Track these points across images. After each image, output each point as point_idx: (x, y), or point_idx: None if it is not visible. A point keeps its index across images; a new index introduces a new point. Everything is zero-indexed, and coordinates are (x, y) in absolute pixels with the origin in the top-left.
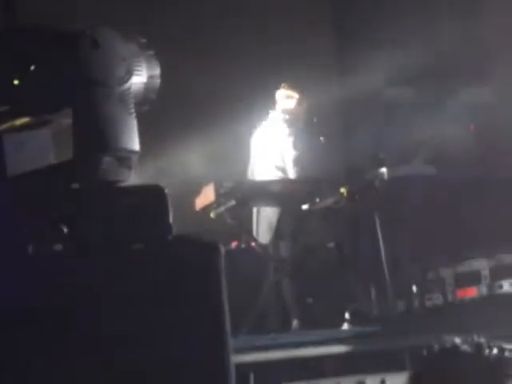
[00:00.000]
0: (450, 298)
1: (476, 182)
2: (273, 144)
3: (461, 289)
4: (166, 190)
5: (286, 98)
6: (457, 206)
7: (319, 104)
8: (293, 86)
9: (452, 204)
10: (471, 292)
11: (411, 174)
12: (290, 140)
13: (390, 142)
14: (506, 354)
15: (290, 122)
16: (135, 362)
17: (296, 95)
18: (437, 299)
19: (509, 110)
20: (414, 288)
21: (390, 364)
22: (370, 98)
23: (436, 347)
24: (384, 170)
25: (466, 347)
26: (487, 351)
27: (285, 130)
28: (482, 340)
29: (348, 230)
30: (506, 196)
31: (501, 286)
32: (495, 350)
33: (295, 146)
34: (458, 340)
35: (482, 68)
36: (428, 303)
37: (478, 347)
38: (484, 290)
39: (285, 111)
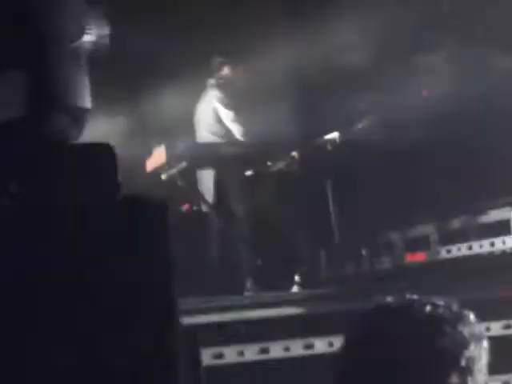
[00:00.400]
0: (398, 261)
1: (426, 148)
2: (213, 109)
3: (410, 253)
4: (114, 149)
5: (221, 65)
6: (406, 170)
7: (271, 70)
8: (227, 53)
9: (402, 169)
10: (420, 256)
11: (362, 138)
12: (229, 105)
13: (340, 106)
14: (440, 310)
15: (227, 88)
16: (85, 312)
17: (231, 62)
18: (386, 263)
19: (460, 76)
20: (364, 251)
21: (338, 326)
22: (321, 64)
23: (369, 307)
24: (336, 134)
25: (398, 305)
26: (420, 308)
27: (224, 95)
28: (415, 298)
29: (299, 193)
30: (455, 162)
31: (449, 251)
32: (428, 307)
33: (233, 109)
34: (390, 299)
35: (434, 34)
36: (377, 266)
37: (411, 305)
38: (432, 254)
39: (222, 78)
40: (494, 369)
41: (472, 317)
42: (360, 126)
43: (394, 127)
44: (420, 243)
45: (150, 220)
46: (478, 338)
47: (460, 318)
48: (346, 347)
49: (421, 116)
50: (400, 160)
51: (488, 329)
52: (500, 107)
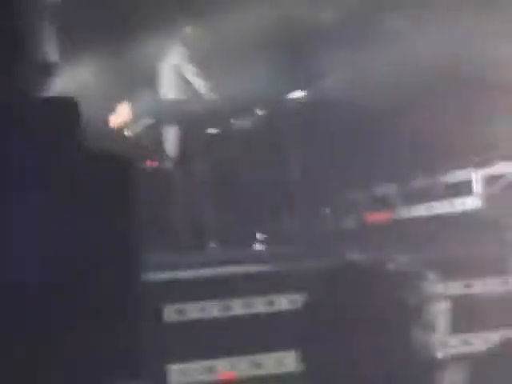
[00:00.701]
0: (361, 221)
1: (390, 108)
2: (177, 66)
3: (372, 212)
4: (78, 103)
5: (185, 24)
6: (371, 130)
7: (237, 29)
8: (191, 11)
9: (366, 128)
10: (384, 216)
11: (327, 98)
12: (193, 62)
13: (305, 65)
14: (402, 268)
15: (192, 46)
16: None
17: (195, 21)
18: (348, 222)
19: (429, 37)
20: (327, 210)
21: (300, 284)
22: (288, 23)
23: (335, 265)
24: (301, 93)
25: (363, 263)
26: (383, 266)
27: (189, 53)
28: (380, 255)
29: (263, 151)
30: (418, 123)
31: (411, 211)
32: (391, 265)
33: (197, 67)
34: (356, 256)
35: None
36: (341, 225)
37: (375, 263)
38: (396, 213)
39: (186, 36)
40: (455, 327)
41: (433, 275)
42: (325, 85)
43: (358, 88)
44: (383, 203)
45: (112, 176)
46: (438, 296)
47: (421, 276)
48: (311, 304)
49: (385, 77)
50: (364, 120)
51: (449, 288)
52: (463, 69)
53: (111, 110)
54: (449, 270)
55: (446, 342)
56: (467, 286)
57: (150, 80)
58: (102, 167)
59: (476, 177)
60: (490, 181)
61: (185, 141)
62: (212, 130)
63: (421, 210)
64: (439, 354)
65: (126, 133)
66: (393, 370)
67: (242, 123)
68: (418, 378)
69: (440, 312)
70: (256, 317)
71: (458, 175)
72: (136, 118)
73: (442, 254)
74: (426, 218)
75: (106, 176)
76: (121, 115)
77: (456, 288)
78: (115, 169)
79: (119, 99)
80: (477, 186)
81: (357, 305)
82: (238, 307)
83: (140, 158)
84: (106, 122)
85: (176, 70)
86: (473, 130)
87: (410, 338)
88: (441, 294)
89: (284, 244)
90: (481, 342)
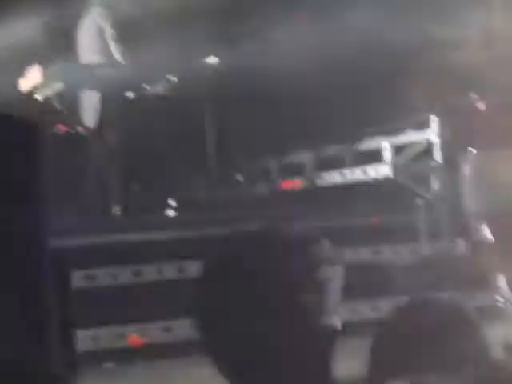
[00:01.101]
0: (274, 188)
1: (304, 76)
2: (94, 28)
3: (285, 179)
4: None
5: None
6: (284, 97)
7: None
8: None
9: (279, 96)
10: (295, 183)
11: (241, 64)
12: (111, 24)
13: (221, 32)
14: (295, 235)
15: (110, 8)
16: None
17: None
18: (261, 188)
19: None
20: (239, 176)
21: (210, 251)
22: None
23: (227, 233)
24: (215, 58)
25: (255, 231)
26: (276, 233)
27: (106, 13)
28: (274, 223)
29: (176, 117)
30: (330, 92)
31: (324, 178)
32: (284, 231)
33: (115, 29)
34: (249, 225)
35: None
36: (252, 192)
37: (267, 230)
38: (308, 180)
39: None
40: (363, 293)
41: (327, 241)
42: (239, 51)
43: (272, 56)
44: (296, 170)
45: (20, 139)
46: (332, 262)
47: (313, 242)
48: (204, 275)
49: (297, 46)
50: (276, 87)
51: (358, 253)
52: (372, 39)
53: (22, 73)
54: (360, 237)
55: (337, 310)
56: (376, 253)
57: (68, 42)
58: (8, 129)
59: (387, 145)
60: (401, 149)
61: (98, 106)
62: (125, 96)
63: (333, 178)
64: (332, 321)
65: (37, 97)
66: (284, 336)
67: (154, 89)
68: (309, 344)
69: (333, 277)
70: (166, 283)
71: (369, 143)
72: (47, 81)
73: (352, 220)
74: (337, 185)
75: (14, 138)
76: (31, 78)
77: (365, 254)
78: (22, 131)
79: (31, 62)
80: (387, 154)
81: (250, 271)
82: (149, 273)
83: (51, 122)
84: (16, 86)
85: (94, 32)
86: (383, 99)
87: (299, 305)
88: (335, 259)
89: (195, 210)
90: (369, 309)
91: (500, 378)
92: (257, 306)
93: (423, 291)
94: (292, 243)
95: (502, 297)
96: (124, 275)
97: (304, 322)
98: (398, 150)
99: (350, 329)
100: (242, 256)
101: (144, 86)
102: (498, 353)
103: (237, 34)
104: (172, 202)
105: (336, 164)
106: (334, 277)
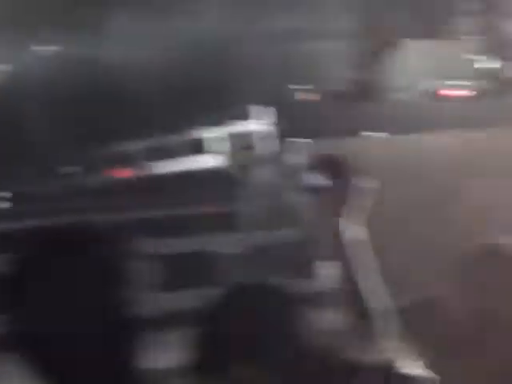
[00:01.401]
0: (104, 177)
1: (141, 67)
2: None
3: (117, 169)
4: None
5: None
6: (116, 90)
7: None
8: None
9: (112, 87)
10: (126, 173)
11: (75, 54)
12: None
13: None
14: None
15: None
16: None
17: None
18: (93, 179)
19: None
20: (69, 167)
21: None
22: None
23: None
24: (54, 48)
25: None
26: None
27: None
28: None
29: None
30: (164, 82)
31: (154, 167)
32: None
33: None
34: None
35: None
36: (88, 182)
37: (86, 224)
38: (139, 170)
39: None
40: (191, 282)
41: (140, 235)
42: (73, 39)
43: (107, 46)
44: (127, 159)
45: None
46: (141, 255)
47: (126, 237)
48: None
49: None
50: (106, 76)
51: (187, 243)
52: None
53: None
54: (190, 225)
55: (157, 300)
56: (205, 243)
57: None
58: None
59: (219, 134)
60: (234, 138)
61: None
62: None
63: (164, 167)
64: (149, 312)
65: None
66: (103, 329)
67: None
68: (126, 337)
69: (152, 270)
70: None
71: (202, 132)
72: None
73: (182, 210)
74: (168, 175)
75: None
76: None
77: (192, 244)
78: None
79: None
80: (220, 144)
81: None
82: None
83: None
84: None
85: None
86: (219, 90)
87: (114, 297)
88: (154, 253)
89: (28, 202)
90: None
91: (324, 363)
92: (68, 302)
93: (252, 278)
94: (99, 237)
95: (327, 283)
96: None
97: (116, 317)
98: (223, 140)
99: (177, 318)
100: (45, 251)
101: None
102: (322, 338)
103: (76, 23)
104: (3, 194)
105: (167, 154)
106: (145, 269)
